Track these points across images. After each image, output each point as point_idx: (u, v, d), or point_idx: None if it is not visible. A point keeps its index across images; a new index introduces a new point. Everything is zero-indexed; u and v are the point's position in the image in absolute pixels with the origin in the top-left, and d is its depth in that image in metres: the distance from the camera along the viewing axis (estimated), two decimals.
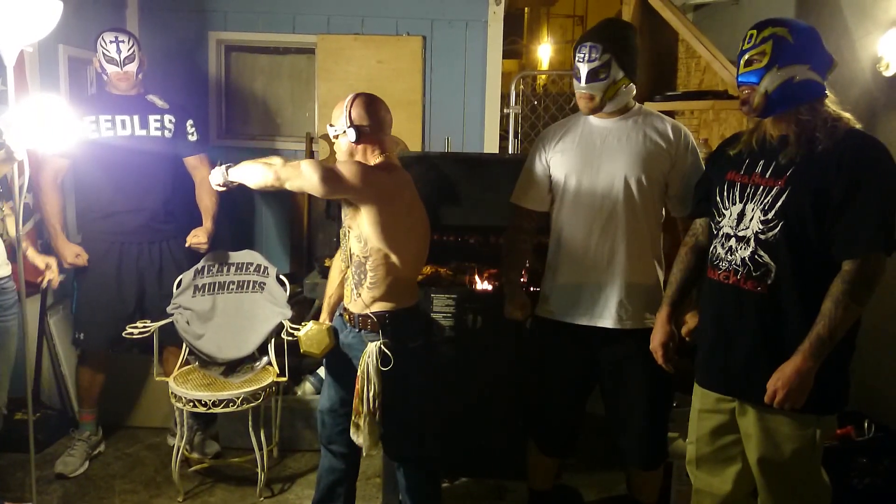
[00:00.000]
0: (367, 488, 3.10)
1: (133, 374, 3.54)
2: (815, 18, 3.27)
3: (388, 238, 2.23)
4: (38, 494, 2.76)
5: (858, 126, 1.92)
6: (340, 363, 2.44)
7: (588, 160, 2.40)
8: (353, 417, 2.33)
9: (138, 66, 3.20)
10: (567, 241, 2.46)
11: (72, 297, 3.32)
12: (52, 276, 2.85)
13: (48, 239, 3.40)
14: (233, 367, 3.11)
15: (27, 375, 2.61)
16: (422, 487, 2.51)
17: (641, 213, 2.37)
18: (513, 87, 4.55)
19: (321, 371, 3.50)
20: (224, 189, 2.41)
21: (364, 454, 2.36)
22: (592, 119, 2.44)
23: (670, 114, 2.94)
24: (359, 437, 2.32)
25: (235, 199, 4.22)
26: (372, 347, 2.27)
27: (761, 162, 1.97)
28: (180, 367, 3.13)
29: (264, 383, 2.99)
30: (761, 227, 1.93)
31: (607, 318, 2.40)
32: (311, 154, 4.23)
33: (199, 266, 3.22)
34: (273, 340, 3.12)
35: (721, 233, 2.04)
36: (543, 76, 9.39)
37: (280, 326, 3.07)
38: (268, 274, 3.26)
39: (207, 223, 3.27)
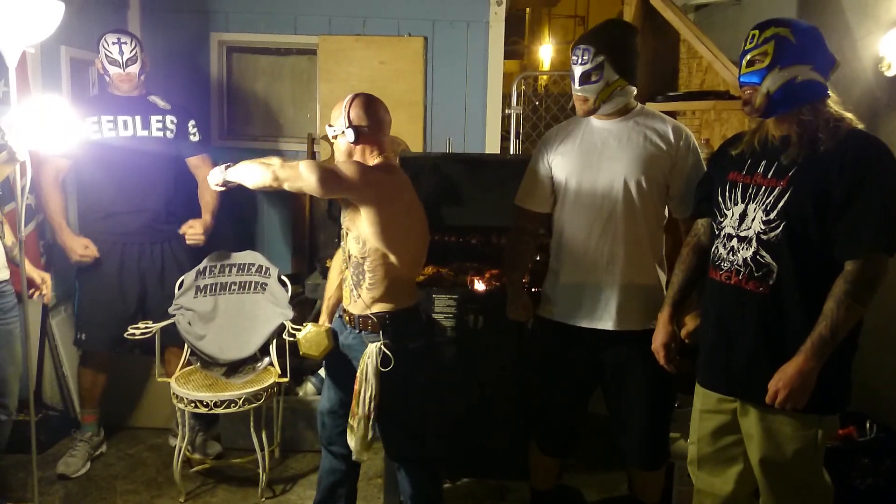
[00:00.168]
0: (368, 489, 3.10)
1: (135, 375, 3.55)
2: (816, 18, 3.26)
3: (386, 238, 2.23)
4: (40, 495, 2.77)
5: (861, 126, 1.92)
6: (340, 365, 2.44)
7: (588, 162, 2.40)
8: (348, 419, 2.34)
9: (141, 68, 3.21)
10: (567, 242, 2.46)
11: (73, 297, 3.32)
12: (46, 293, 2.74)
13: (51, 239, 3.42)
14: (234, 368, 3.11)
15: (29, 377, 2.62)
16: (423, 489, 2.51)
17: (641, 214, 2.37)
18: (514, 88, 4.55)
19: (323, 372, 3.50)
20: (223, 189, 2.39)
21: (354, 457, 2.36)
22: (593, 121, 2.44)
23: (672, 114, 2.94)
24: (351, 440, 2.33)
25: (237, 200, 4.22)
26: (372, 348, 2.27)
27: (763, 162, 1.97)
28: (182, 367, 3.13)
29: (266, 384, 2.99)
30: (763, 227, 1.93)
31: (607, 320, 2.40)
32: (312, 155, 4.23)
33: (200, 267, 3.22)
34: (275, 341, 3.12)
35: (723, 233, 2.04)
36: (545, 76, 9.40)
37: (282, 327, 3.07)
38: (269, 275, 3.26)
39: (206, 217, 3.27)
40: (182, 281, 3.19)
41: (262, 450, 3.00)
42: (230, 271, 3.26)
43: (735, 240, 1.99)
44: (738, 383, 2.02)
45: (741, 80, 1.99)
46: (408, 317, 2.36)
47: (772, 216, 1.91)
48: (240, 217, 4.34)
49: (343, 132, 2.30)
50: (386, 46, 4.23)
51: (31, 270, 2.69)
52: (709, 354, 2.11)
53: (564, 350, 2.50)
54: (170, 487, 3.08)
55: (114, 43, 3.12)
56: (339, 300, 2.51)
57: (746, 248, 1.96)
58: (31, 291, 2.67)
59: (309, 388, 3.52)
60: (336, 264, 2.57)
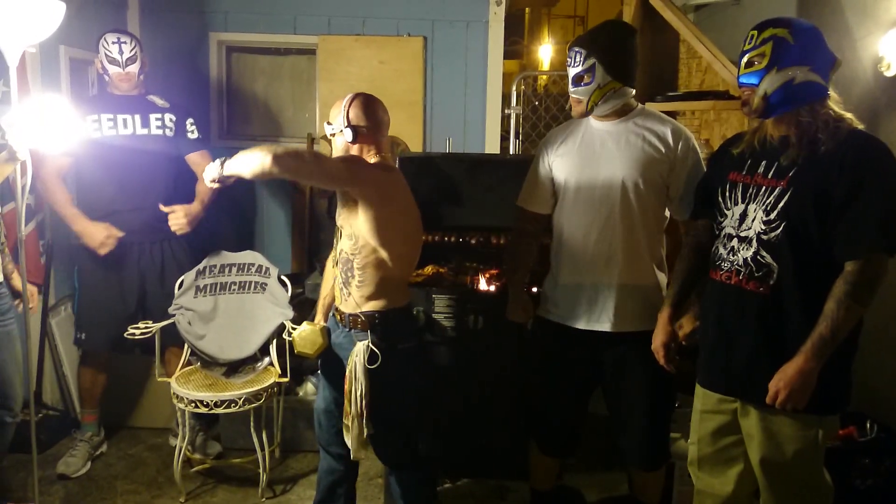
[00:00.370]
0: (369, 489, 3.10)
1: (135, 375, 3.55)
2: (816, 18, 3.26)
3: (380, 237, 2.23)
4: (41, 495, 2.77)
5: (861, 126, 1.92)
6: (334, 364, 2.44)
7: (587, 163, 2.41)
8: (343, 419, 2.34)
9: (140, 68, 3.22)
10: (566, 243, 2.46)
11: (73, 297, 3.32)
12: (33, 305, 2.69)
13: (51, 239, 3.42)
14: (234, 368, 3.11)
15: (29, 377, 2.61)
16: (414, 491, 2.50)
17: (639, 216, 2.36)
18: (514, 88, 4.55)
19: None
20: (217, 185, 2.26)
21: (353, 456, 2.36)
22: (593, 122, 2.44)
23: (671, 114, 2.94)
24: (348, 439, 2.33)
25: (238, 200, 4.23)
26: (360, 346, 2.27)
27: (763, 162, 1.97)
28: (182, 367, 3.13)
29: (266, 384, 2.99)
30: (763, 227, 1.93)
31: (605, 322, 2.40)
32: None
33: (200, 267, 3.22)
34: (275, 341, 3.12)
35: (723, 233, 2.04)
36: (544, 76, 9.40)
37: (282, 327, 3.07)
38: (269, 275, 3.26)
39: (194, 205, 3.23)
40: (182, 281, 3.19)
41: (262, 450, 3.00)
42: (230, 271, 3.26)
43: (735, 240, 2.00)
44: (739, 383, 2.02)
45: (740, 80, 1.99)
46: (399, 317, 2.36)
47: (772, 216, 1.91)
48: (240, 217, 4.34)
49: (341, 131, 2.30)
50: (385, 46, 4.23)
51: (18, 281, 2.66)
52: (709, 354, 2.11)
53: (564, 350, 2.50)
54: (170, 487, 3.08)
55: (113, 42, 3.13)
56: (333, 299, 2.52)
57: (747, 249, 1.96)
58: (16, 302, 2.64)
59: (309, 387, 3.52)
60: (331, 264, 2.57)
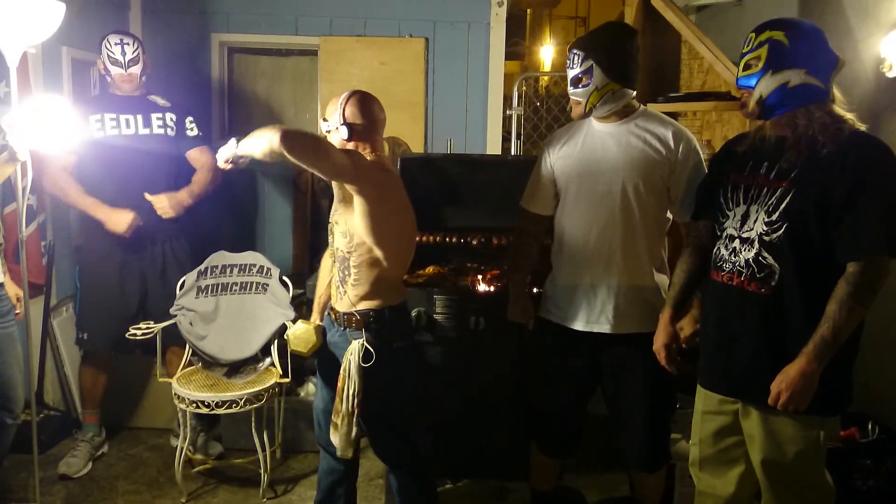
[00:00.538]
0: (369, 489, 3.10)
1: (136, 376, 3.55)
2: (817, 19, 3.26)
3: (377, 235, 2.23)
4: (42, 495, 2.77)
5: (862, 127, 1.91)
6: (330, 363, 2.44)
7: (588, 165, 2.41)
8: (332, 417, 2.34)
9: (142, 69, 3.23)
10: (566, 245, 2.47)
11: (75, 297, 3.33)
12: (20, 312, 2.64)
13: (52, 240, 3.42)
14: (236, 369, 3.11)
15: (30, 377, 2.61)
16: (414, 491, 2.50)
17: (639, 218, 2.36)
18: (515, 89, 4.55)
19: None
20: (231, 167, 2.26)
21: (339, 454, 2.36)
22: (595, 123, 2.44)
23: (673, 115, 2.94)
24: (335, 437, 2.32)
25: (239, 200, 4.24)
26: (355, 345, 2.27)
27: (765, 163, 1.97)
28: (183, 368, 3.13)
29: (267, 384, 3.00)
30: (765, 228, 1.93)
31: (604, 324, 2.40)
32: None
33: (202, 267, 3.22)
34: (276, 341, 3.12)
35: (725, 234, 2.04)
36: (546, 77, 9.40)
37: (283, 328, 3.07)
38: (270, 275, 3.26)
39: (181, 193, 3.20)
40: (183, 281, 3.19)
41: (263, 450, 3.00)
42: (231, 272, 3.26)
43: (737, 241, 1.99)
44: (740, 384, 2.02)
45: (738, 82, 2.00)
46: (394, 315, 2.36)
47: (774, 217, 1.91)
48: (241, 217, 4.34)
49: (336, 128, 2.30)
50: (387, 47, 4.23)
51: (9, 287, 2.65)
52: (710, 356, 2.11)
53: (564, 351, 2.50)
54: (171, 488, 3.08)
55: (116, 44, 3.14)
56: (329, 299, 2.52)
57: (748, 250, 1.96)
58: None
59: (310, 388, 3.52)
60: (326, 263, 2.57)
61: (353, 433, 2.30)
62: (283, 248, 4.38)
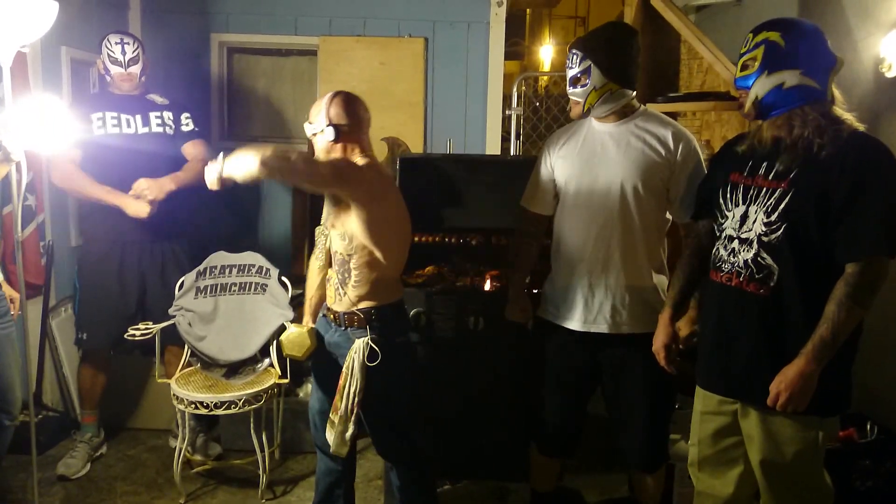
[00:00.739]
0: (369, 490, 3.09)
1: (135, 376, 3.55)
2: (817, 19, 3.26)
3: (375, 236, 2.24)
4: (40, 496, 2.76)
5: (862, 128, 1.91)
6: (326, 364, 2.44)
7: (587, 166, 2.41)
8: (329, 414, 2.33)
9: (142, 69, 3.23)
10: (565, 245, 2.47)
11: (74, 298, 3.32)
12: (14, 313, 2.62)
13: (51, 240, 3.41)
14: (235, 369, 3.11)
15: (29, 378, 2.61)
16: (413, 488, 2.50)
17: (638, 219, 2.36)
18: (515, 89, 4.55)
19: None
20: (219, 188, 2.19)
21: (332, 451, 2.36)
22: (595, 123, 2.44)
23: (672, 115, 2.94)
24: (330, 435, 2.32)
25: (239, 200, 4.23)
26: (359, 343, 2.27)
27: (764, 164, 1.97)
28: (182, 368, 3.13)
29: (266, 385, 2.99)
30: (764, 229, 1.92)
31: (602, 324, 2.40)
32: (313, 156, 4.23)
33: (201, 268, 3.22)
34: (275, 342, 3.12)
35: (724, 234, 2.04)
36: (545, 77, 9.40)
37: (282, 328, 3.06)
38: (269, 276, 3.26)
39: (164, 179, 3.13)
40: (182, 282, 3.19)
41: (262, 451, 3.00)
42: (230, 272, 3.26)
43: (736, 241, 1.99)
44: (739, 385, 2.02)
45: (736, 83, 2.01)
46: (393, 313, 2.37)
47: (773, 218, 1.91)
48: (240, 217, 4.34)
49: (322, 130, 2.29)
50: (386, 47, 4.23)
51: (6, 288, 2.64)
52: (709, 356, 2.11)
53: (563, 351, 2.50)
54: (170, 489, 3.07)
55: (116, 43, 3.15)
56: (321, 300, 2.52)
57: (747, 250, 1.96)
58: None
59: (309, 389, 3.51)
60: (314, 266, 2.56)
61: (350, 432, 2.30)
62: (282, 248, 4.38)
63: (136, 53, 3.19)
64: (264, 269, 3.27)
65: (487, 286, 3.09)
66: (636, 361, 2.39)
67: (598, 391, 2.58)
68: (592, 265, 2.40)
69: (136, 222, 3.15)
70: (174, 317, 3.11)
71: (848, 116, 1.91)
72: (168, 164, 3.25)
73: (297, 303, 3.36)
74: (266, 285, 3.24)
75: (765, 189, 1.94)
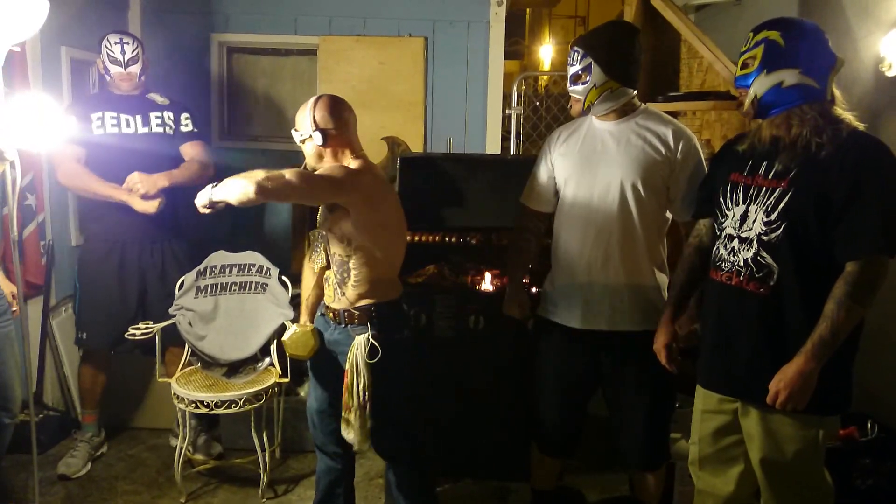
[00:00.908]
0: (369, 489, 3.10)
1: (135, 376, 3.55)
2: (817, 18, 3.26)
3: (373, 237, 2.25)
4: (41, 496, 2.77)
5: (862, 127, 1.91)
6: (325, 363, 2.45)
7: (587, 164, 2.41)
8: (342, 413, 2.34)
9: (142, 68, 3.23)
10: (565, 243, 2.47)
11: (74, 297, 3.33)
12: (15, 310, 2.63)
13: (51, 240, 3.41)
14: (235, 369, 3.11)
15: (29, 377, 2.61)
16: (412, 487, 2.50)
17: (638, 218, 2.36)
18: (515, 88, 4.55)
19: None
20: (209, 211, 2.20)
21: (356, 449, 2.36)
22: (595, 121, 2.44)
23: (673, 114, 2.93)
24: (349, 433, 2.33)
25: None
26: (360, 339, 2.28)
27: (764, 163, 1.97)
28: (183, 368, 3.13)
29: (267, 384, 2.99)
30: (764, 228, 1.92)
31: (601, 322, 2.40)
32: None
33: (201, 267, 3.22)
34: (275, 341, 3.12)
35: (724, 234, 2.04)
36: (545, 77, 9.40)
37: (282, 327, 3.06)
38: (270, 275, 3.26)
39: (159, 174, 3.12)
40: (183, 281, 3.19)
41: (262, 450, 3.00)
42: (231, 272, 3.26)
43: (736, 241, 1.99)
44: (739, 384, 2.02)
45: (735, 82, 2.02)
46: (392, 310, 2.38)
47: (772, 217, 1.91)
48: (241, 217, 4.33)
49: (310, 136, 2.30)
50: (386, 47, 4.23)
51: (5, 286, 2.64)
52: (709, 355, 2.11)
53: (563, 350, 2.50)
54: (170, 488, 3.08)
55: (116, 42, 3.15)
56: (317, 299, 2.53)
57: (747, 249, 1.96)
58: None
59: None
60: (308, 265, 2.56)
61: (367, 426, 2.31)
62: (283, 247, 4.38)
63: (135, 53, 3.19)
64: (264, 269, 3.27)
65: (488, 286, 3.09)
66: (636, 360, 2.39)
67: (598, 391, 2.58)
68: (592, 263, 2.40)
69: (136, 222, 3.15)
70: (174, 316, 3.11)
71: (847, 116, 1.91)
72: (168, 164, 3.24)
73: (297, 302, 3.36)
74: (266, 284, 3.24)
75: (764, 188, 1.94)
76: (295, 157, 3.75)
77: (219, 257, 3.26)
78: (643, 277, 2.41)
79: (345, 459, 2.58)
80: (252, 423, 2.99)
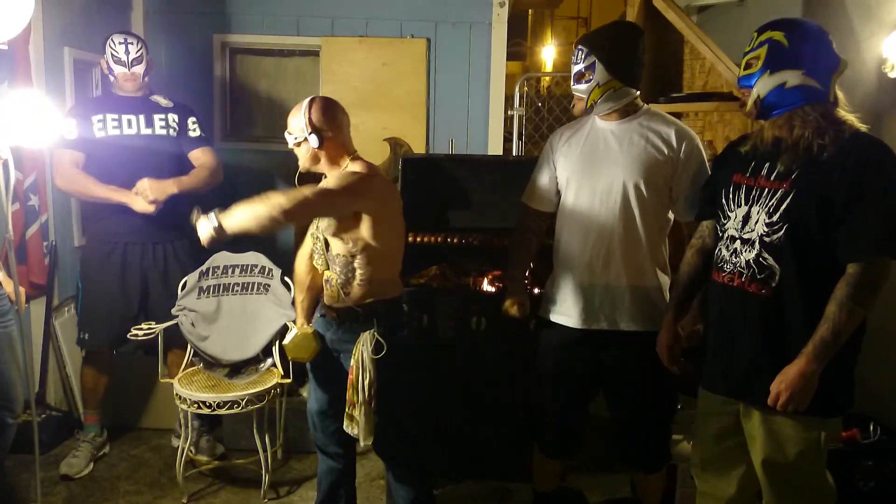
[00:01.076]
0: (371, 490, 3.10)
1: (138, 376, 3.54)
2: (820, 19, 3.25)
3: (382, 236, 2.27)
4: (43, 496, 2.77)
5: (864, 128, 1.91)
6: (326, 364, 2.45)
7: (589, 163, 2.41)
8: (346, 410, 2.34)
9: (146, 69, 3.23)
10: (567, 243, 2.47)
11: (77, 298, 3.33)
12: (20, 307, 2.59)
13: (54, 240, 3.42)
14: (237, 369, 3.12)
15: (32, 378, 2.61)
16: (410, 485, 2.50)
17: (640, 218, 2.36)
18: (517, 89, 4.54)
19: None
20: (214, 244, 2.15)
21: (361, 443, 2.36)
22: (598, 121, 2.44)
23: (676, 116, 2.94)
24: (354, 429, 2.33)
25: (240, 199, 4.23)
26: (366, 336, 2.29)
27: (767, 164, 1.97)
28: (185, 368, 3.14)
29: (269, 385, 3.00)
30: (766, 229, 1.92)
31: (602, 321, 2.40)
32: None
33: (203, 268, 3.23)
34: (277, 342, 3.12)
35: (726, 235, 2.04)
36: (547, 78, 9.40)
37: (284, 328, 3.07)
38: (272, 276, 3.26)
39: (169, 181, 3.12)
40: (185, 282, 3.19)
41: (264, 451, 3.00)
42: (233, 272, 3.26)
43: (738, 242, 1.99)
44: (741, 385, 2.02)
45: (739, 82, 2.01)
46: (395, 307, 2.40)
47: (774, 219, 1.91)
48: None
49: (306, 139, 2.29)
50: (389, 48, 4.23)
51: (6, 284, 2.62)
52: (711, 356, 2.11)
53: (565, 351, 2.50)
54: (172, 488, 3.08)
55: (120, 43, 3.15)
56: (312, 301, 2.53)
57: (749, 251, 1.96)
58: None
59: None
60: (301, 267, 2.54)
61: (373, 422, 2.31)
62: (285, 248, 4.38)
63: (139, 54, 3.19)
64: (267, 270, 3.28)
65: (489, 286, 3.09)
66: (638, 361, 2.39)
67: (600, 392, 2.58)
68: (593, 263, 2.40)
69: (138, 223, 3.15)
70: (177, 317, 3.11)
71: (850, 117, 1.91)
72: (171, 166, 3.25)
73: None
74: (269, 285, 3.25)
75: (767, 190, 1.94)
76: (297, 159, 3.75)
77: (221, 258, 3.26)
78: (645, 278, 2.41)
79: (346, 460, 2.58)
80: (254, 424, 2.99)
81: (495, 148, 4.33)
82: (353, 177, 2.23)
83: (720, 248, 2.07)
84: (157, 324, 3.08)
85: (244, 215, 2.08)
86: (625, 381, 2.45)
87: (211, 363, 3.11)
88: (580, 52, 2.38)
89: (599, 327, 2.40)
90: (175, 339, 3.14)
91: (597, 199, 2.38)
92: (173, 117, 3.28)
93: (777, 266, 1.91)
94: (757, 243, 1.94)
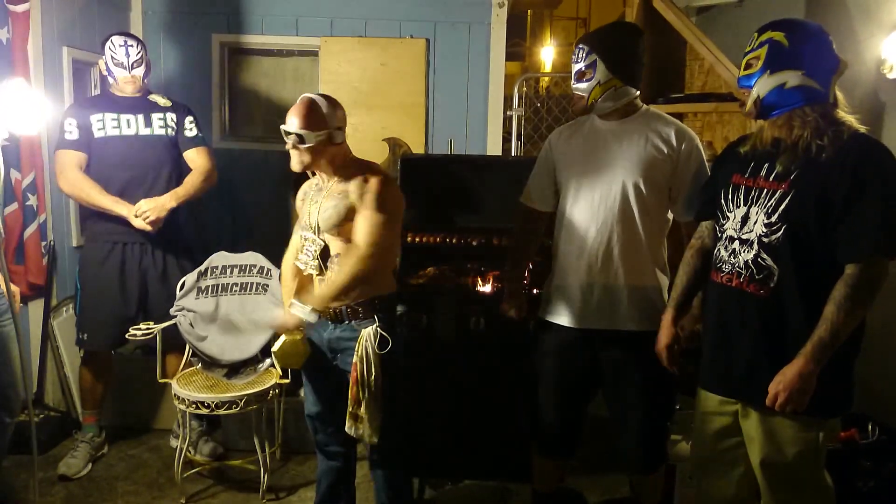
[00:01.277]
0: (370, 489, 3.08)
1: (136, 376, 3.54)
2: (820, 19, 3.25)
3: (388, 235, 2.29)
4: (41, 496, 2.77)
5: (863, 129, 1.91)
6: (321, 365, 2.44)
7: (589, 163, 2.41)
8: (350, 409, 2.32)
9: (145, 71, 3.23)
10: (566, 243, 2.46)
11: (75, 298, 3.33)
12: (16, 307, 2.58)
13: (52, 241, 3.41)
14: (236, 369, 3.11)
15: (30, 378, 2.60)
16: (390, 485, 2.51)
17: (640, 217, 2.36)
18: (516, 89, 4.55)
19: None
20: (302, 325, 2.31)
21: (367, 442, 2.35)
22: (597, 121, 2.44)
23: (675, 116, 2.94)
24: (359, 429, 2.32)
25: (239, 200, 4.23)
26: (369, 331, 2.29)
27: (766, 165, 1.97)
28: (183, 368, 3.13)
29: (267, 385, 2.99)
30: (765, 230, 1.92)
31: (600, 320, 2.40)
32: None
33: (202, 268, 3.22)
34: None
35: (725, 235, 2.04)
36: (546, 78, 9.40)
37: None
38: (271, 276, 3.26)
39: (165, 196, 3.14)
40: (184, 282, 3.19)
41: (263, 451, 3.00)
42: (232, 272, 3.26)
43: (737, 242, 1.99)
44: (739, 385, 2.02)
45: (739, 82, 2.01)
46: (391, 303, 2.41)
47: (773, 219, 1.91)
48: (242, 218, 4.34)
49: (329, 135, 2.26)
50: (388, 48, 4.23)
51: (2, 283, 2.62)
52: (710, 356, 2.11)
53: (563, 351, 2.50)
54: (171, 489, 3.08)
55: (120, 45, 3.13)
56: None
57: (748, 251, 1.96)
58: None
59: None
60: (288, 270, 2.52)
61: (380, 418, 2.31)
62: (284, 248, 4.37)
63: (139, 56, 3.18)
64: (265, 270, 3.27)
65: (488, 287, 3.09)
66: (637, 361, 2.38)
67: (599, 392, 2.58)
68: (592, 263, 2.39)
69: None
70: (175, 317, 3.11)
71: (849, 118, 1.91)
72: (170, 165, 3.25)
73: None
74: (267, 286, 3.25)
75: (765, 190, 1.94)
76: None
77: (220, 258, 3.26)
78: (644, 277, 2.40)
79: (346, 460, 2.58)
80: (253, 424, 2.99)
81: (494, 148, 4.33)
82: (388, 192, 2.29)
83: (719, 249, 2.07)
84: (155, 324, 3.08)
85: (335, 288, 2.26)
86: (623, 382, 2.44)
87: (209, 363, 3.11)
88: (581, 51, 2.38)
89: (598, 327, 2.40)
90: (173, 345, 3.14)
91: (596, 198, 2.38)
92: (171, 116, 3.28)
93: (775, 266, 1.91)
94: (755, 244, 1.94)
